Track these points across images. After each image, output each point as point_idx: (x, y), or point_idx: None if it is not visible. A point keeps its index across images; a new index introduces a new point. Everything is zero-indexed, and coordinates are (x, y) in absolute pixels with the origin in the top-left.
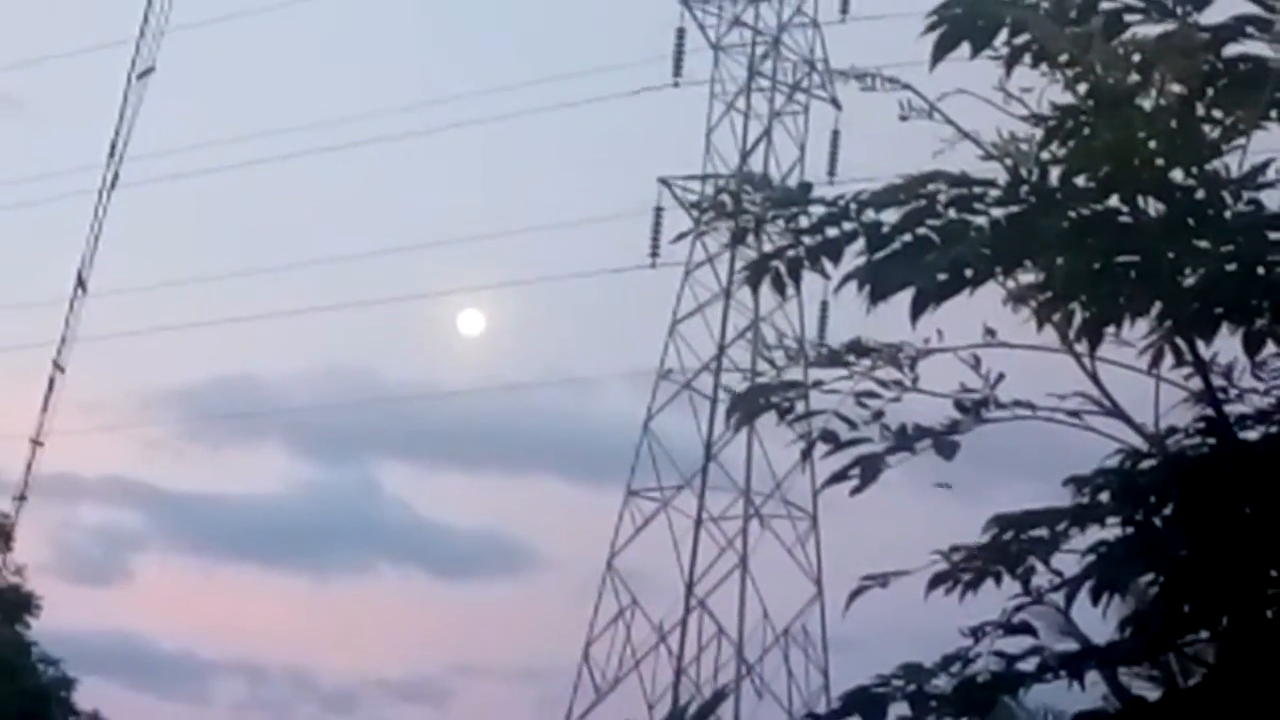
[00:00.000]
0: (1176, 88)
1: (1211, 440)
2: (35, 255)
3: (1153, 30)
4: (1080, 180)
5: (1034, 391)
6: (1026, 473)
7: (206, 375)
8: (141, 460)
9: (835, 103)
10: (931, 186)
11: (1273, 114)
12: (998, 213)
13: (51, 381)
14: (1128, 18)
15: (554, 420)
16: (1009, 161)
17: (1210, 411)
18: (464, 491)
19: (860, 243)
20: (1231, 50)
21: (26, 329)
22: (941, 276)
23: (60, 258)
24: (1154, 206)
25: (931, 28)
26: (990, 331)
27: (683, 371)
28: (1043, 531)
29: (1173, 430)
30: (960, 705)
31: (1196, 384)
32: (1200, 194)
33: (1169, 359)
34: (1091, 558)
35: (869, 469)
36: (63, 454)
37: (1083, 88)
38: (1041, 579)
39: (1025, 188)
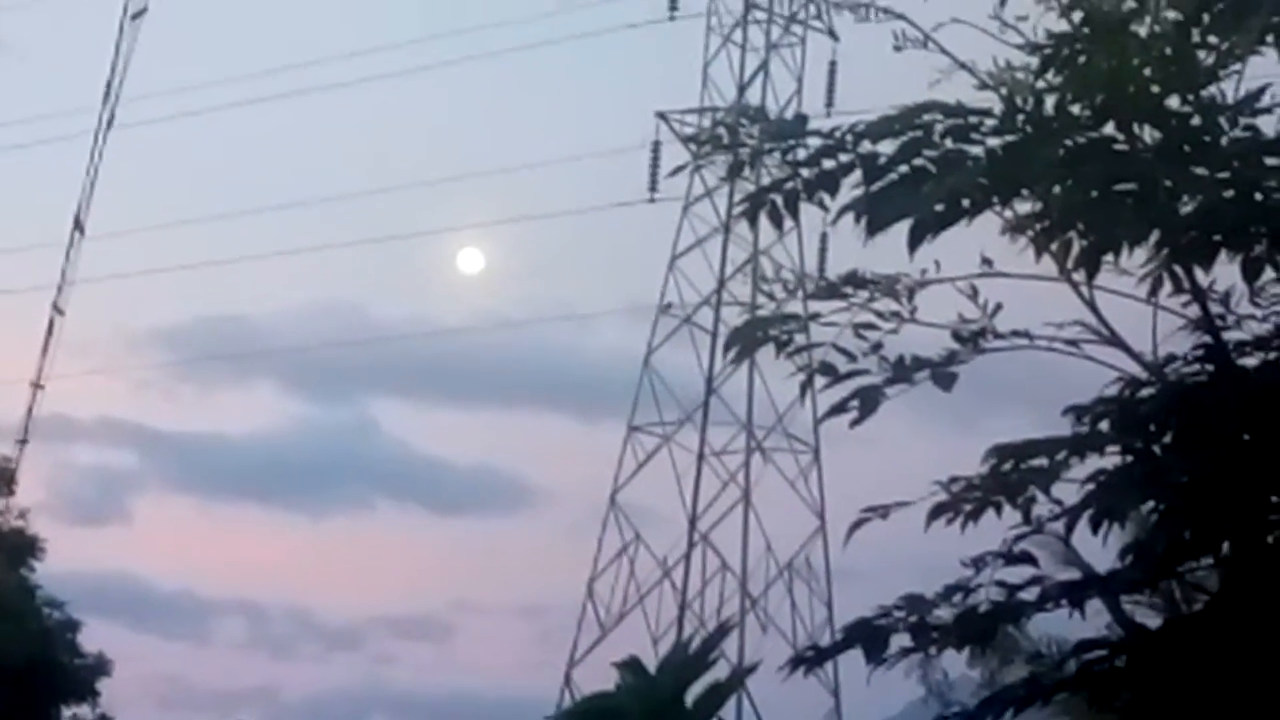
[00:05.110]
0: (1171, 13)
1: (1210, 367)
2: (23, 198)
3: None
4: (1076, 108)
5: (1032, 321)
6: (1025, 402)
7: (197, 315)
8: (134, 401)
9: (832, 34)
10: (927, 117)
11: (1268, 39)
12: (994, 142)
13: (51, 324)
14: None
15: (554, 356)
16: (1004, 91)
17: (1209, 339)
18: (463, 428)
19: (857, 174)
20: None
21: (15, 272)
22: (939, 207)
23: (50, 201)
24: (1150, 134)
25: None
26: (987, 261)
27: (683, 306)
28: (1042, 461)
29: (1171, 358)
30: (962, 635)
31: (1195, 311)
32: (1196, 120)
33: (1167, 287)
34: (1091, 486)
35: (868, 400)
36: (55, 396)
37: (1078, 15)
38: (1042, 508)
39: (1021, 117)
